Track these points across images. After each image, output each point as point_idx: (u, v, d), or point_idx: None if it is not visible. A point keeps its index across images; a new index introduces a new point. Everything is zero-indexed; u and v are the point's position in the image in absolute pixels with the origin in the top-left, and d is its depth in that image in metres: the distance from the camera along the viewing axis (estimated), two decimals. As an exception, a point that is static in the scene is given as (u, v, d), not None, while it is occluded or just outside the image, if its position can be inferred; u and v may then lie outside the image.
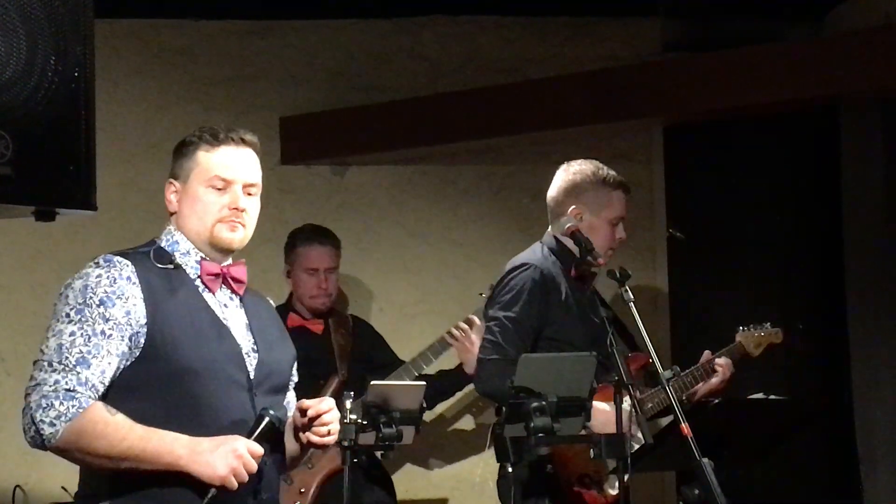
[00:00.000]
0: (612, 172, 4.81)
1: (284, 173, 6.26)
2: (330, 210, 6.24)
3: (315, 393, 4.68)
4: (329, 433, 3.33)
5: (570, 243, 4.63)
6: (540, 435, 3.65)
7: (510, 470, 3.78)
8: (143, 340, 3.22)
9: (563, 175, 4.81)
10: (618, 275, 4.07)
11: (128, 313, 3.21)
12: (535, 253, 4.76)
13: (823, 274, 6.11)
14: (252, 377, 3.33)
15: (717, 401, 4.44)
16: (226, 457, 3.15)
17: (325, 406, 3.32)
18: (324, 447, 3.41)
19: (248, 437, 3.22)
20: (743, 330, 5.09)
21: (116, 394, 3.21)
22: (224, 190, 3.37)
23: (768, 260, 6.15)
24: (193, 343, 3.25)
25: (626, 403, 3.93)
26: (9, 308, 5.99)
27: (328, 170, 6.36)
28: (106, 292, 3.21)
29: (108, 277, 3.23)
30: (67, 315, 3.21)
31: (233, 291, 3.41)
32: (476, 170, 6.40)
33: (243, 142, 3.41)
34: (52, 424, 3.12)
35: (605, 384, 4.21)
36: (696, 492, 3.82)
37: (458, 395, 5.85)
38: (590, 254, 4.46)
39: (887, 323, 5.80)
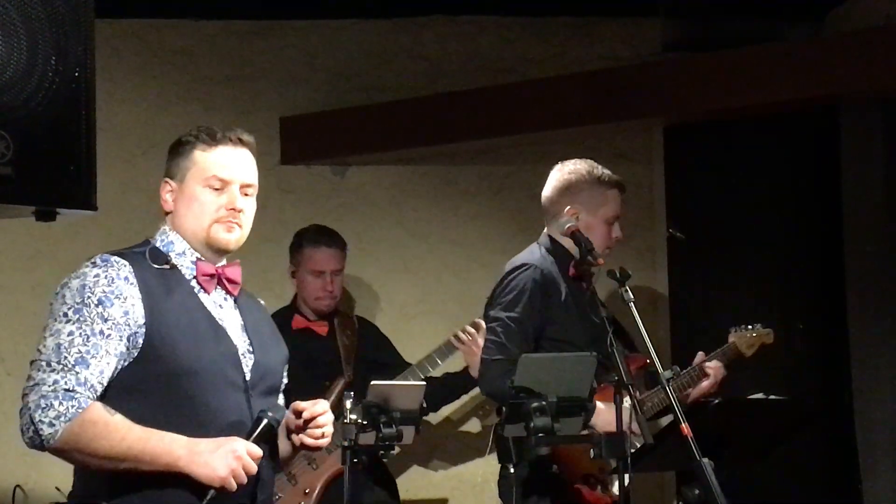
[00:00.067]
0: (607, 171, 4.80)
1: (284, 173, 6.26)
2: (330, 210, 6.24)
3: (321, 395, 4.67)
4: (323, 436, 3.33)
5: (567, 243, 4.63)
6: (540, 435, 3.65)
7: (511, 470, 3.79)
8: (141, 341, 3.22)
9: (558, 175, 4.80)
10: (618, 275, 4.07)
11: (126, 313, 3.21)
12: (533, 254, 4.76)
13: (823, 274, 6.09)
14: (248, 378, 3.33)
15: (717, 401, 4.43)
16: (225, 458, 3.15)
17: (319, 408, 3.32)
18: (316, 450, 3.41)
19: (247, 438, 3.22)
20: (735, 330, 5.07)
21: (114, 394, 3.20)
22: (221, 190, 3.36)
23: (768, 260, 6.13)
24: (191, 344, 3.25)
25: (627, 403, 3.93)
26: (9, 308, 5.98)
27: (328, 170, 6.36)
28: (104, 292, 3.21)
29: (105, 277, 3.23)
30: (65, 314, 3.21)
31: (227, 292, 3.41)
32: (476, 170, 6.40)
33: (241, 142, 3.41)
34: (51, 425, 3.11)
35: (605, 384, 4.21)
36: (696, 492, 3.82)
37: (463, 397, 5.84)
38: (590, 254, 4.46)
39: (887, 323, 5.79)
